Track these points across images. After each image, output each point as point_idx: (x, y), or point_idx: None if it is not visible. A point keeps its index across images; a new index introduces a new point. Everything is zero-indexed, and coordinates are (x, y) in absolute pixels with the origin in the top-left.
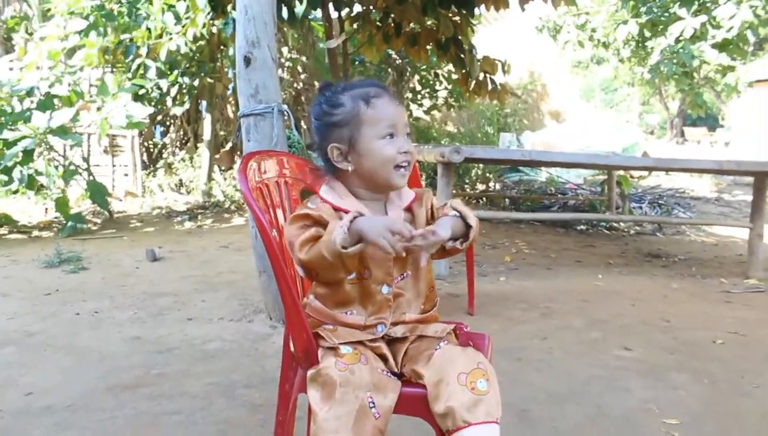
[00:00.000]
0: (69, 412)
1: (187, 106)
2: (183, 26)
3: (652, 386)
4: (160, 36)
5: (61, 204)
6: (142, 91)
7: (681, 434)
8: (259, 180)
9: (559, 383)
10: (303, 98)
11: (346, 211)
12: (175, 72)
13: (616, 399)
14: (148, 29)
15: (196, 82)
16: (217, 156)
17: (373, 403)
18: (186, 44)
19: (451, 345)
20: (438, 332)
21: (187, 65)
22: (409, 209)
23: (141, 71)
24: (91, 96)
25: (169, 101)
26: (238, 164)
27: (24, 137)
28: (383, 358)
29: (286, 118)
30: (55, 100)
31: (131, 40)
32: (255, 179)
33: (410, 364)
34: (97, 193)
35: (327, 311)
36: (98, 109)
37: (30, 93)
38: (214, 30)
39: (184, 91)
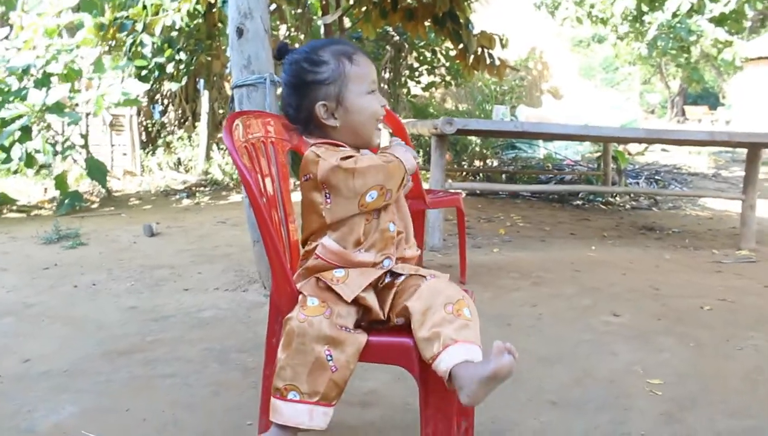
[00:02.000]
0: (66, 376)
1: (183, 82)
2: (179, 2)
3: (638, 348)
4: (156, 13)
5: (60, 181)
6: (144, 73)
7: (663, 393)
8: (244, 140)
9: (548, 346)
10: None
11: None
12: (172, 48)
13: (603, 361)
14: (144, 6)
15: (193, 60)
16: (219, 135)
17: (331, 356)
18: (182, 20)
19: (437, 279)
20: (431, 272)
21: (185, 43)
22: None
23: (137, 47)
24: (88, 73)
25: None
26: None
27: (21, 115)
28: (367, 310)
29: (279, 88)
30: (52, 79)
31: (127, 17)
32: (241, 139)
33: (397, 299)
34: (96, 169)
35: (343, 251)
36: (98, 87)
37: (26, 71)
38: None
39: (182, 67)
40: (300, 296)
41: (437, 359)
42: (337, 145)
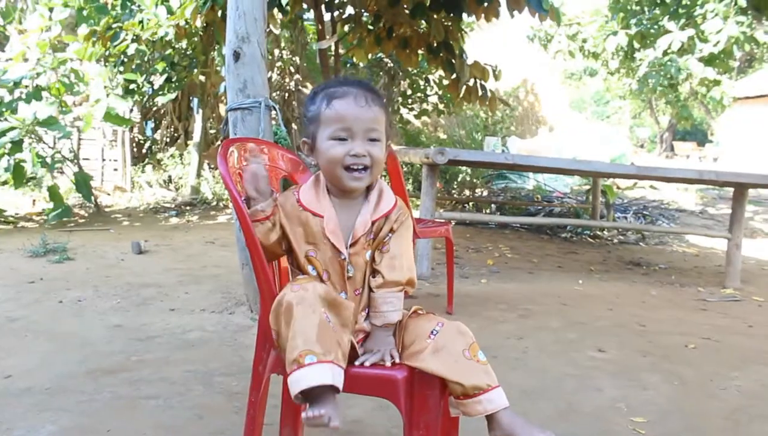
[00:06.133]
0: (47, 394)
1: (172, 96)
2: (173, 17)
3: (623, 385)
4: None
5: (53, 192)
6: (132, 86)
7: (647, 431)
8: (238, 166)
9: (533, 380)
10: (294, 99)
11: (314, 214)
12: (164, 63)
13: (587, 397)
14: (140, 22)
15: (185, 77)
16: (206, 152)
17: (329, 319)
18: (173, 34)
19: (446, 327)
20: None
21: (179, 59)
22: (377, 219)
23: (126, 58)
24: (78, 87)
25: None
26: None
27: (12, 128)
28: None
29: (273, 114)
30: (43, 92)
31: (120, 27)
32: (235, 165)
33: (410, 360)
34: (83, 184)
35: None
36: (73, 102)
37: (17, 84)
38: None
39: (173, 82)
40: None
41: (471, 399)
42: (304, 208)
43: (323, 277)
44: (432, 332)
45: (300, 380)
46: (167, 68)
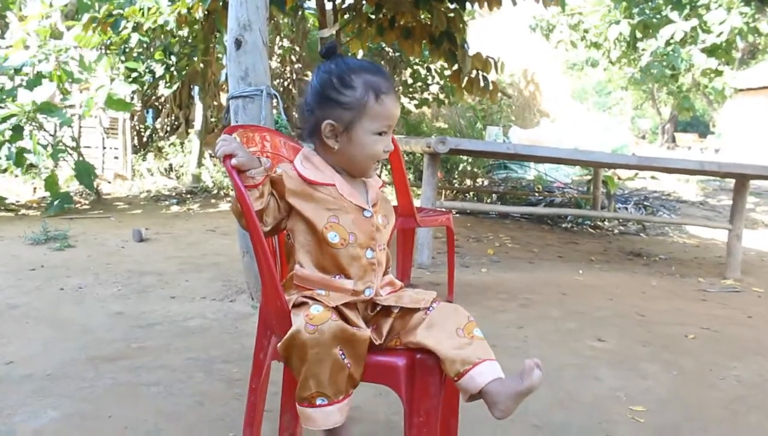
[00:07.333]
0: (48, 380)
1: (175, 87)
2: (174, 5)
3: (622, 375)
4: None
5: (50, 183)
6: (134, 75)
7: (645, 420)
8: None
9: None
10: (293, 87)
11: (323, 184)
12: (165, 53)
13: (587, 386)
14: (141, 9)
15: (187, 66)
16: (206, 141)
17: (344, 355)
18: (174, 21)
19: (442, 305)
20: (422, 302)
21: (180, 48)
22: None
23: (127, 47)
24: (81, 74)
25: (159, 82)
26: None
27: (12, 115)
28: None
29: (274, 102)
30: (44, 80)
31: (121, 14)
32: None
33: (406, 336)
34: (84, 173)
35: (316, 276)
36: (81, 88)
37: (18, 71)
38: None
39: (174, 72)
40: (299, 307)
41: (465, 376)
42: (310, 182)
43: (349, 240)
44: (429, 308)
45: (309, 419)
46: (166, 57)
